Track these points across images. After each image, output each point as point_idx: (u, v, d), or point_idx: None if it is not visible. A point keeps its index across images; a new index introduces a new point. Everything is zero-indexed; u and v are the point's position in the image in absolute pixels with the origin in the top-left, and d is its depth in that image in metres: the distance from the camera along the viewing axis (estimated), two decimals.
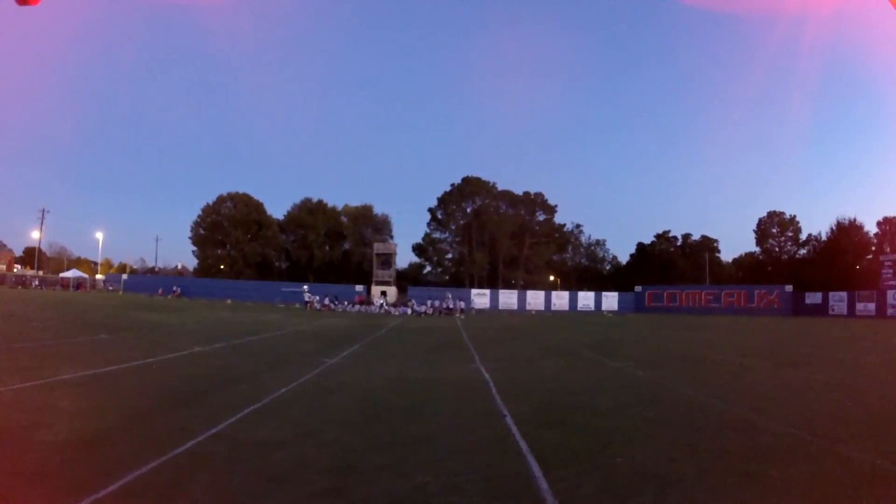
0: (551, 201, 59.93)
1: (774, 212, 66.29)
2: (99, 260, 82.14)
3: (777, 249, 66.30)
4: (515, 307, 43.12)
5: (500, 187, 58.10)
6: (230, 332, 14.96)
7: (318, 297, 33.71)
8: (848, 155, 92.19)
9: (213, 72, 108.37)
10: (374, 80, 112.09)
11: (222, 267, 58.97)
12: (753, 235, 68.08)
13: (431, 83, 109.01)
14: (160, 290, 48.14)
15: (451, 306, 32.00)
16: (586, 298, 45.46)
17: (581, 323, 27.58)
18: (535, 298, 44.11)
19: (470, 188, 55.79)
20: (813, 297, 44.93)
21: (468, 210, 57.11)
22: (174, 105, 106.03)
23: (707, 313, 44.41)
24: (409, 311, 31.17)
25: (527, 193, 57.41)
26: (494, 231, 53.62)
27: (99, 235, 68.60)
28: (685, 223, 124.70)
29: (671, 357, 12.66)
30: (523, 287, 53.11)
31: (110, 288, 53.58)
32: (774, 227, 66.20)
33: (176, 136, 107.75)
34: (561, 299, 44.61)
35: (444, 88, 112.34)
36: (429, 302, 31.96)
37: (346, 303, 34.60)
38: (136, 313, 21.48)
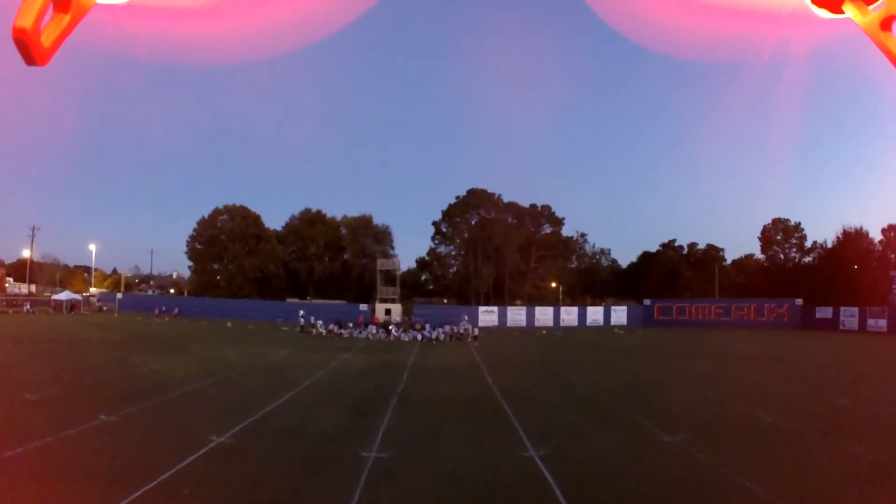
0: (558, 213, 59.27)
1: (779, 219, 66.11)
2: (93, 272, 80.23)
3: (782, 257, 66.00)
4: (524, 323, 42.30)
5: (506, 199, 57.30)
6: (243, 393, 13.83)
7: (321, 322, 32.57)
8: (854, 161, 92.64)
9: (209, 81, 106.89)
10: (373, 90, 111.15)
11: (219, 278, 57.59)
12: (758, 243, 68.04)
13: (433, 93, 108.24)
14: (157, 311, 46.80)
15: (461, 331, 30.99)
16: (595, 313, 44.76)
17: (598, 349, 26.70)
18: (544, 314, 43.31)
19: (475, 200, 54.88)
20: (823, 312, 44.54)
21: (473, 223, 56.22)
22: (170, 115, 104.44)
23: (716, 327, 43.89)
24: (420, 336, 30.11)
25: (533, 206, 56.65)
26: (501, 244, 52.74)
27: (92, 247, 67.27)
28: (691, 231, 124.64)
29: (720, 424, 11.59)
30: (529, 300, 52.28)
31: (104, 308, 52.13)
32: (779, 234, 65.94)
33: (173, 145, 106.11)
34: (570, 314, 43.87)
35: (445, 98, 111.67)
36: (439, 329, 30.89)
37: (350, 325, 33.48)
38: (136, 356, 20.26)
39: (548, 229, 57.44)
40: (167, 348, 23.16)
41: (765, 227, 66.96)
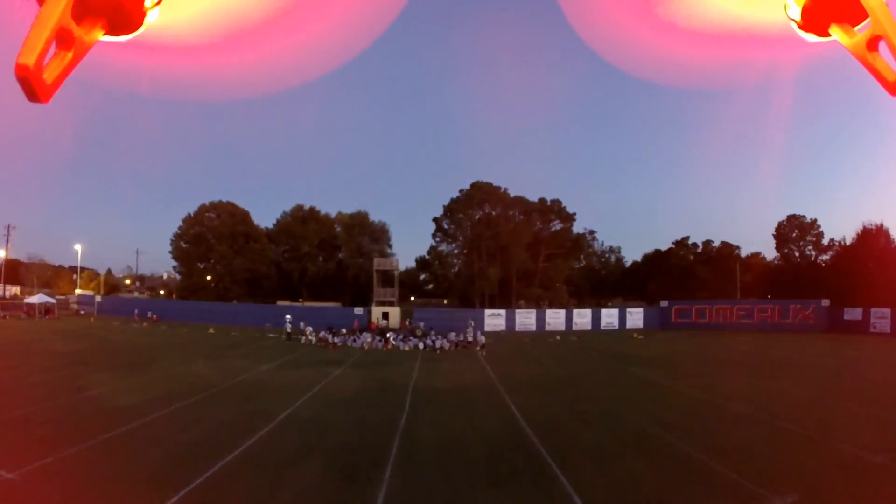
0: (568, 209, 55.31)
1: (794, 215, 63.22)
2: (78, 273, 77.09)
3: (797, 255, 63.13)
4: (534, 328, 39.17)
5: (512, 193, 53.37)
6: (201, 432, 10.60)
7: (311, 329, 29.29)
8: (868, 157, 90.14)
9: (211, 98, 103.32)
10: (369, 79, 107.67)
11: (209, 278, 54.15)
12: (772, 241, 65.13)
13: (432, 82, 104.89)
14: (136, 315, 43.49)
15: (470, 339, 27.78)
16: (609, 316, 41.67)
17: (625, 360, 23.59)
18: (555, 318, 40.15)
19: (480, 194, 51.09)
20: (852, 313, 41.61)
21: (477, 218, 52.37)
22: (157, 108, 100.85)
23: (738, 330, 40.96)
24: (421, 344, 26.91)
25: (542, 200, 52.92)
26: (509, 242, 48.90)
27: (78, 247, 64.73)
28: (699, 229, 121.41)
29: (827, 472, 8.68)
30: (536, 302, 49.09)
31: (82, 312, 48.81)
32: (794, 231, 63.05)
33: (165, 141, 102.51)
34: (583, 318, 40.72)
35: (446, 87, 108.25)
36: (442, 338, 27.65)
37: (344, 332, 30.19)
38: (90, 375, 17.14)
39: (557, 226, 53.93)
40: (130, 363, 19.95)
41: (779, 225, 64.11)
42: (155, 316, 42.65)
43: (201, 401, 13.79)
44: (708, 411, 13.52)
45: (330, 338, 27.67)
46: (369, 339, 27.45)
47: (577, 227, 59.05)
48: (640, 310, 43.41)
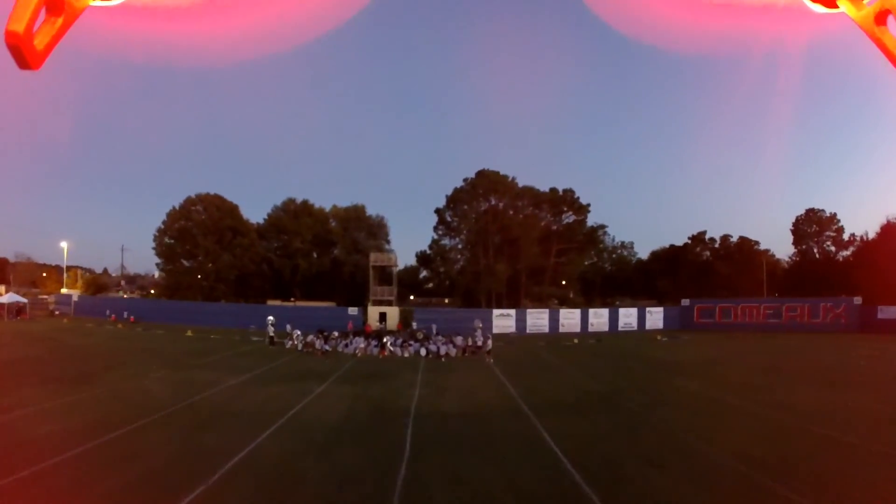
0: (582, 199, 51.13)
1: (813, 209, 60.00)
2: (64, 271, 73.91)
3: (816, 251, 59.98)
4: (547, 329, 35.91)
5: (520, 183, 49.43)
6: (117, 486, 7.29)
7: (298, 333, 25.94)
8: (890, 144, 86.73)
9: (197, 76, 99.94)
10: (366, 62, 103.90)
11: (200, 277, 50.71)
12: (789, 236, 61.94)
13: (434, 66, 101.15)
14: (112, 316, 40.19)
15: (479, 343, 24.50)
16: (628, 316, 38.40)
17: (659, 367, 20.41)
18: (570, 319, 36.86)
19: (486, 184, 47.32)
20: (887, 312, 38.43)
21: (483, 210, 48.67)
22: (145, 99, 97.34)
23: (766, 330, 37.81)
24: (424, 350, 23.65)
25: (553, 190, 49.15)
26: (520, 236, 45.07)
27: (64, 245, 61.81)
28: (712, 226, 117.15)
29: None
30: (543, 301, 45.77)
31: (57, 312, 45.50)
32: (813, 226, 59.87)
33: (157, 135, 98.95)
34: (599, 318, 37.44)
35: (448, 72, 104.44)
36: (449, 343, 24.37)
37: (336, 335, 26.82)
38: (21, 389, 13.95)
39: (569, 218, 50.30)
40: (77, 374, 16.68)
41: (797, 219, 60.93)
42: (132, 317, 39.32)
43: (140, 430, 10.54)
44: (801, 440, 10.31)
45: (318, 343, 24.34)
46: (363, 345, 24.13)
47: (592, 223, 55.55)
48: (661, 309, 40.12)
